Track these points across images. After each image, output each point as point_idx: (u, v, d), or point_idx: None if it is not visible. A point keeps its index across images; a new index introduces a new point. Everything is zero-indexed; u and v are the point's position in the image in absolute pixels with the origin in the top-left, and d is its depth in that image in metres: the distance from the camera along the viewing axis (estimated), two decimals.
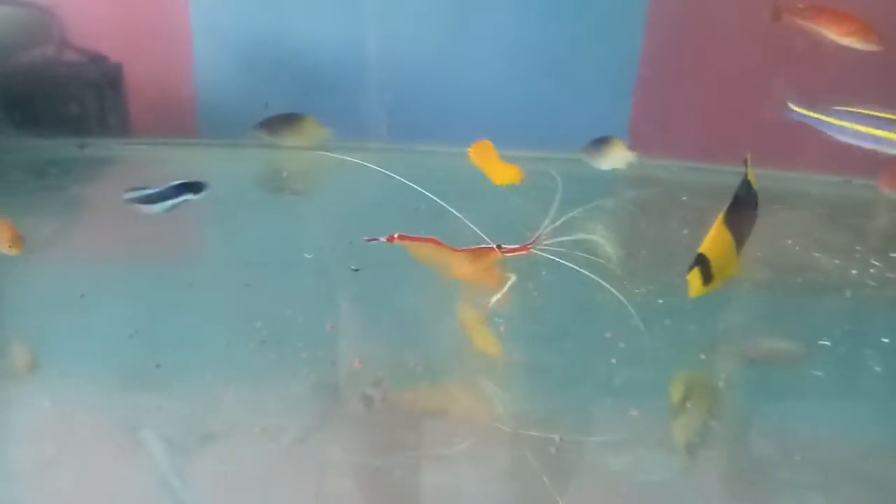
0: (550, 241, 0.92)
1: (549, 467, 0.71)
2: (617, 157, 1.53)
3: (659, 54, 1.78)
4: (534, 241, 0.92)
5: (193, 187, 1.10)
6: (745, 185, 0.97)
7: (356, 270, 1.07)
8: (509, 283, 0.93)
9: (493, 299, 0.93)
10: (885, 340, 0.99)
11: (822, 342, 0.97)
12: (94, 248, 1.31)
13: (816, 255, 1.29)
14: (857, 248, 1.33)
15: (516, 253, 0.92)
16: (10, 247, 1.03)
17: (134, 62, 1.80)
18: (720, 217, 0.92)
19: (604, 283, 0.91)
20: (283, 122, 1.64)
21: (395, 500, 0.71)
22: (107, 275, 1.12)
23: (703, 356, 0.95)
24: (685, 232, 1.35)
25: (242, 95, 1.84)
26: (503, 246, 0.92)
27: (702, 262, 0.88)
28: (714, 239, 0.91)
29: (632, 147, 1.81)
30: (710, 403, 0.88)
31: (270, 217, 1.45)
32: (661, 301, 1.03)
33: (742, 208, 0.95)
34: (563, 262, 0.91)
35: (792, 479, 0.74)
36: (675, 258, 1.08)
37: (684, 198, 1.64)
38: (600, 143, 1.57)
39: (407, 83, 1.82)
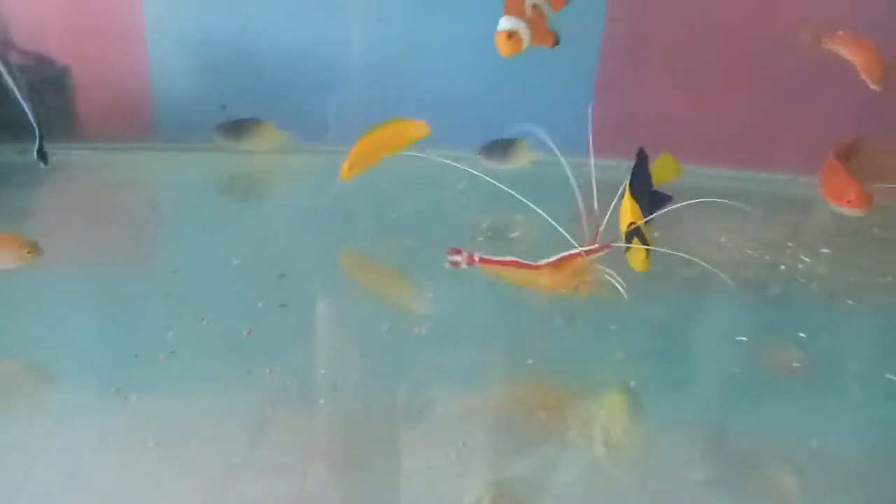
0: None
1: None
2: (520, 158, 1.52)
3: (618, 56, 1.78)
4: (599, 238, 0.94)
5: None
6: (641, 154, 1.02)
7: (282, 276, 1.07)
8: (610, 276, 0.93)
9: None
10: (802, 335, 1.00)
11: (739, 338, 0.98)
12: None
13: (749, 252, 1.30)
14: (790, 244, 1.34)
15: (599, 253, 0.93)
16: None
17: (84, 65, 1.77)
18: (626, 191, 0.95)
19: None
20: (240, 126, 1.62)
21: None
22: (32, 281, 1.10)
23: (620, 355, 0.95)
24: None
25: (200, 97, 1.82)
26: (584, 249, 0.92)
27: (636, 233, 0.88)
28: (631, 210, 0.92)
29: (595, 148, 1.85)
30: (623, 404, 0.88)
31: (213, 222, 1.43)
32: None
33: (640, 183, 0.99)
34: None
35: (692, 475, 0.75)
36: None
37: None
38: (500, 144, 1.57)
39: (369, 84, 1.82)
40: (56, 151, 1.71)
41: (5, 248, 1.01)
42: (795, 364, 0.95)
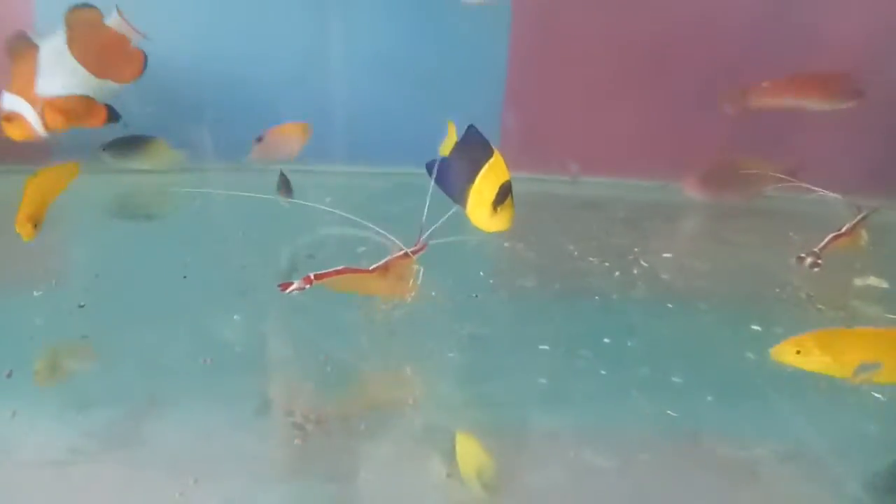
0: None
1: None
2: (157, 158, 1.50)
3: (525, 68, 1.80)
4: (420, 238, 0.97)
5: None
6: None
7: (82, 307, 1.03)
8: (420, 274, 0.97)
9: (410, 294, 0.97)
10: (606, 341, 1.00)
11: (542, 347, 0.98)
12: None
13: (591, 259, 1.31)
14: (636, 249, 1.36)
15: (419, 251, 0.96)
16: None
17: None
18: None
19: None
20: (129, 144, 1.57)
21: None
22: None
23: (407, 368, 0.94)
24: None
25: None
26: (405, 250, 0.95)
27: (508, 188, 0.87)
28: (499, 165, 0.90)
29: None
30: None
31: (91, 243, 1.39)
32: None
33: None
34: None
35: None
36: None
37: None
38: (131, 141, 1.52)
39: (267, 101, 1.79)
40: None
41: None
42: (601, 371, 0.95)
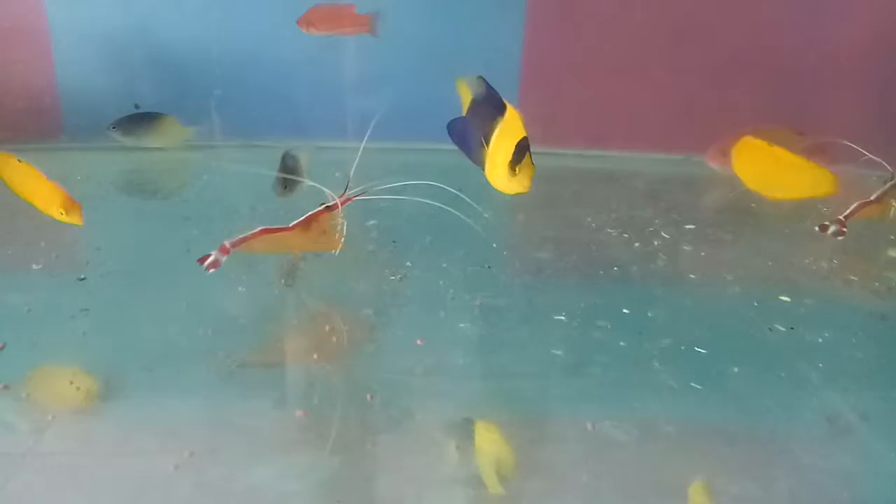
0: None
1: None
2: (168, 135, 1.47)
3: (541, 43, 1.75)
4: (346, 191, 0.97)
5: None
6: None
7: (82, 280, 1.01)
8: (344, 226, 0.96)
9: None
10: (626, 311, 0.96)
11: (557, 317, 0.93)
12: None
13: (610, 231, 1.26)
14: (657, 221, 1.30)
15: (345, 203, 0.95)
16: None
17: None
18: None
19: None
20: (138, 122, 1.55)
21: None
22: None
23: (419, 342, 0.90)
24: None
25: (111, 95, 1.75)
26: (327, 204, 0.94)
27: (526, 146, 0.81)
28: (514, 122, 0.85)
29: None
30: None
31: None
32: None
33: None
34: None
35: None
36: None
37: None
38: (141, 119, 1.50)
39: (281, 79, 1.77)
40: None
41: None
42: (620, 343, 0.91)
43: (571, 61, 1.81)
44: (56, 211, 1.00)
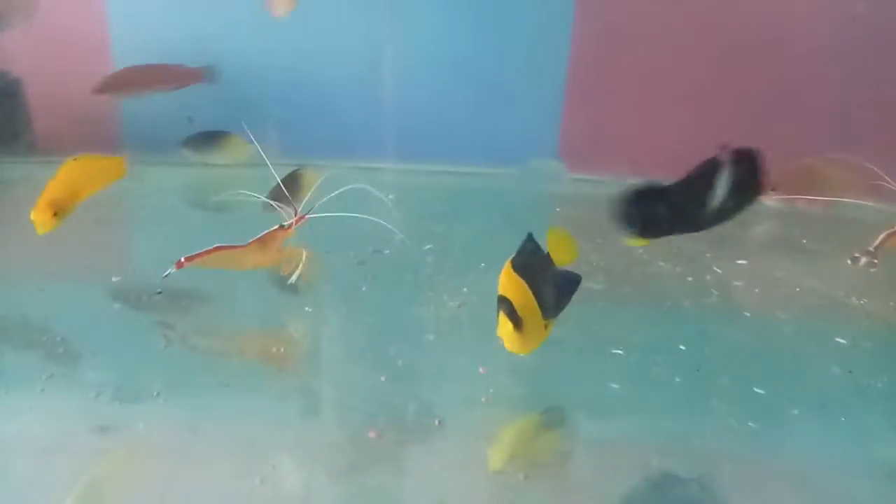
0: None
1: None
2: (232, 152, 1.51)
3: (586, 68, 1.77)
4: (301, 211, 1.01)
5: None
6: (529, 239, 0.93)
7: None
8: (304, 256, 1.00)
9: (294, 276, 1.00)
10: (682, 348, 0.97)
11: (615, 351, 0.96)
12: None
13: (661, 263, 1.28)
14: (708, 254, 1.32)
15: (299, 223, 0.99)
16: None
17: (43, 77, 1.79)
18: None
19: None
20: (206, 139, 1.62)
21: None
22: None
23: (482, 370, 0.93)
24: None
25: (168, 109, 1.83)
26: (284, 224, 0.99)
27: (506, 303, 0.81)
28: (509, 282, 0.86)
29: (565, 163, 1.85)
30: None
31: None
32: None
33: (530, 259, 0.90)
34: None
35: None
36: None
37: (558, 209, 1.64)
38: (207, 137, 1.55)
39: (334, 98, 1.83)
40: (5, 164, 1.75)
41: None
42: (676, 378, 0.92)
43: (616, 87, 1.83)
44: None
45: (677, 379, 0.92)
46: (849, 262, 1.09)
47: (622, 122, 1.83)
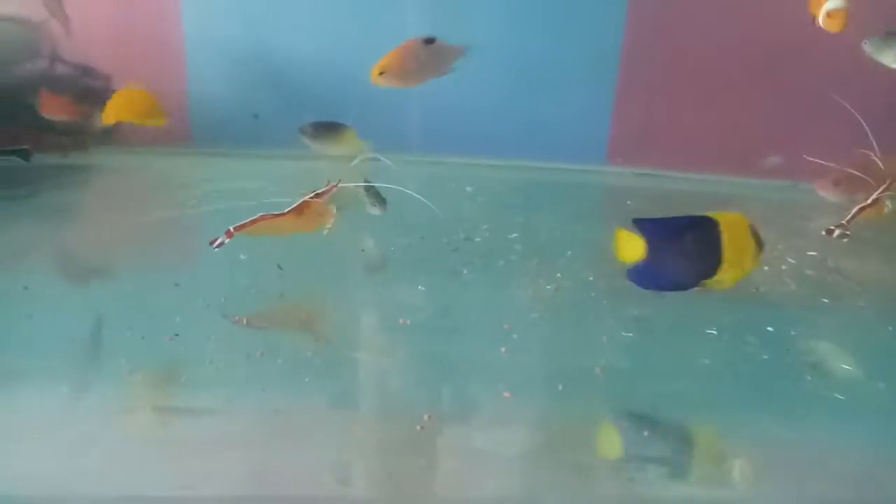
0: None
1: None
2: (346, 144, 1.59)
3: (638, 63, 1.84)
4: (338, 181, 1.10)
5: None
6: None
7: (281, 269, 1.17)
8: (335, 214, 1.10)
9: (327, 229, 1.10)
10: (770, 329, 1.06)
11: (709, 331, 1.04)
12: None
13: None
14: (779, 246, 1.39)
15: (328, 193, 1.08)
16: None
17: (125, 74, 1.91)
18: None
19: None
20: (323, 129, 1.68)
21: None
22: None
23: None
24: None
25: (234, 106, 1.94)
26: (316, 191, 1.08)
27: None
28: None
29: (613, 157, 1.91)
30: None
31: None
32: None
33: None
34: None
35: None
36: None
37: (629, 202, 1.72)
38: (327, 127, 1.62)
39: (388, 95, 1.92)
40: (94, 156, 1.89)
41: None
42: (764, 356, 1.01)
43: (667, 82, 1.89)
44: None
45: (764, 356, 1.00)
46: (823, 233, 1.20)
47: (672, 118, 1.89)
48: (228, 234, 0.98)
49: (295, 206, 1.05)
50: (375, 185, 1.33)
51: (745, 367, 0.97)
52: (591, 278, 1.21)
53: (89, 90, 1.89)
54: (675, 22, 1.82)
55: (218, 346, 0.98)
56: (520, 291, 1.17)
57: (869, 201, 1.25)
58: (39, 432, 0.82)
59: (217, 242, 0.98)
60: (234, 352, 0.96)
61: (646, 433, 0.82)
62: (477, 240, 1.37)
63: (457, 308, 1.12)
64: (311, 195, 1.07)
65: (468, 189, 1.72)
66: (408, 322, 1.03)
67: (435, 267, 1.26)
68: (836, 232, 1.18)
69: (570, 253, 1.34)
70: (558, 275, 1.22)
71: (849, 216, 1.21)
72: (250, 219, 1.01)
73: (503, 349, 0.97)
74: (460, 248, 1.33)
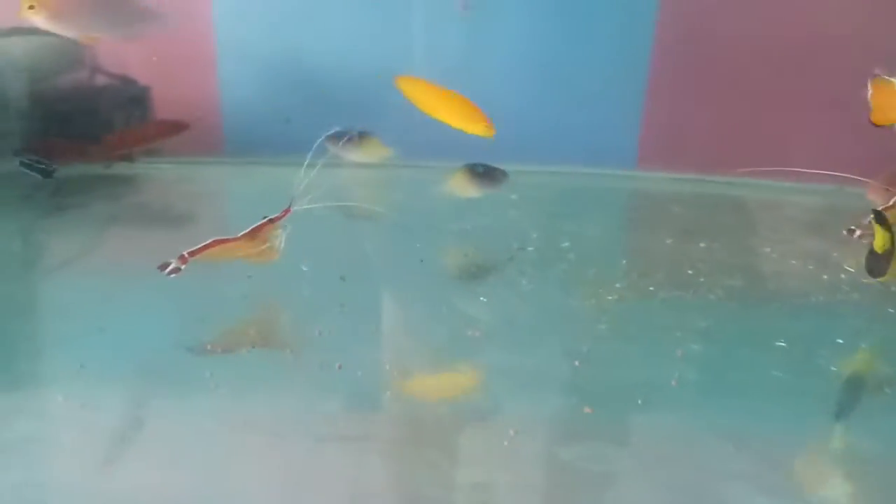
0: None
1: None
2: (371, 152, 1.59)
3: (668, 67, 1.83)
4: (290, 204, 1.06)
5: None
6: None
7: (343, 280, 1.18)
8: (284, 236, 1.06)
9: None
10: (840, 341, 1.05)
11: (779, 343, 1.04)
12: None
13: (793, 262, 1.35)
14: (834, 254, 1.38)
15: (283, 217, 1.05)
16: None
17: (161, 85, 1.93)
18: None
19: None
20: (351, 137, 1.71)
21: None
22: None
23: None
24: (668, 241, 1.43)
25: (266, 115, 1.96)
26: (270, 217, 1.04)
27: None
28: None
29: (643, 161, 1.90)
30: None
31: None
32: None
33: None
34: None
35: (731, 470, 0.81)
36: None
37: (676, 209, 1.72)
38: (351, 134, 1.60)
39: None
40: (135, 166, 1.91)
41: None
42: (832, 368, 1.01)
43: (697, 86, 1.88)
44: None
45: (833, 368, 1.00)
46: (845, 233, 1.17)
47: (702, 122, 1.88)
48: (182, 258, 0.95)
49: (248, 230, 1.03)
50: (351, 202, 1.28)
51: (817, 381, 0.97)
52: (651, 288, 1.21)
53: (131, 101, 1.92)
54: (705, 24, 1.82)
55: (291, 356, 0.99)
56: (583, 302, 1.17)
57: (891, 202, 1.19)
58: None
59: (170, 269, 0.95)
60: (310, 364, 0.97)
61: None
62: (530, 249, 1.38)
63: (522, 319, 1.12)
64: (265, 220, 1.04)
65: (513, 197, 1.72)
66: (477, 334, 1.04)
67: (493, 277, 1.27)
68: (857, 232, 1.15)
69: (625, 262, 1.34)
70: (617, 285, 1.22)
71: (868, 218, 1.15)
72: (203, 243, 0.98)
73: (576, 362, 0.98)
74: (515, 257, 1.33)
